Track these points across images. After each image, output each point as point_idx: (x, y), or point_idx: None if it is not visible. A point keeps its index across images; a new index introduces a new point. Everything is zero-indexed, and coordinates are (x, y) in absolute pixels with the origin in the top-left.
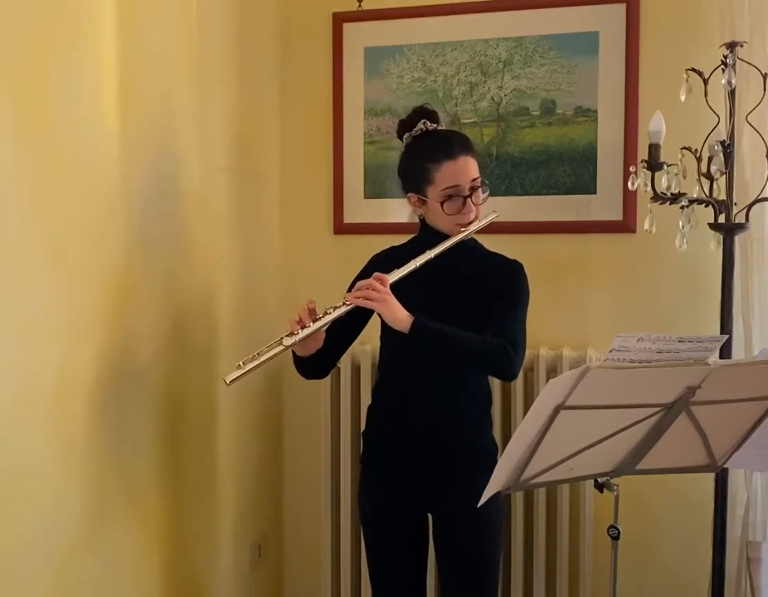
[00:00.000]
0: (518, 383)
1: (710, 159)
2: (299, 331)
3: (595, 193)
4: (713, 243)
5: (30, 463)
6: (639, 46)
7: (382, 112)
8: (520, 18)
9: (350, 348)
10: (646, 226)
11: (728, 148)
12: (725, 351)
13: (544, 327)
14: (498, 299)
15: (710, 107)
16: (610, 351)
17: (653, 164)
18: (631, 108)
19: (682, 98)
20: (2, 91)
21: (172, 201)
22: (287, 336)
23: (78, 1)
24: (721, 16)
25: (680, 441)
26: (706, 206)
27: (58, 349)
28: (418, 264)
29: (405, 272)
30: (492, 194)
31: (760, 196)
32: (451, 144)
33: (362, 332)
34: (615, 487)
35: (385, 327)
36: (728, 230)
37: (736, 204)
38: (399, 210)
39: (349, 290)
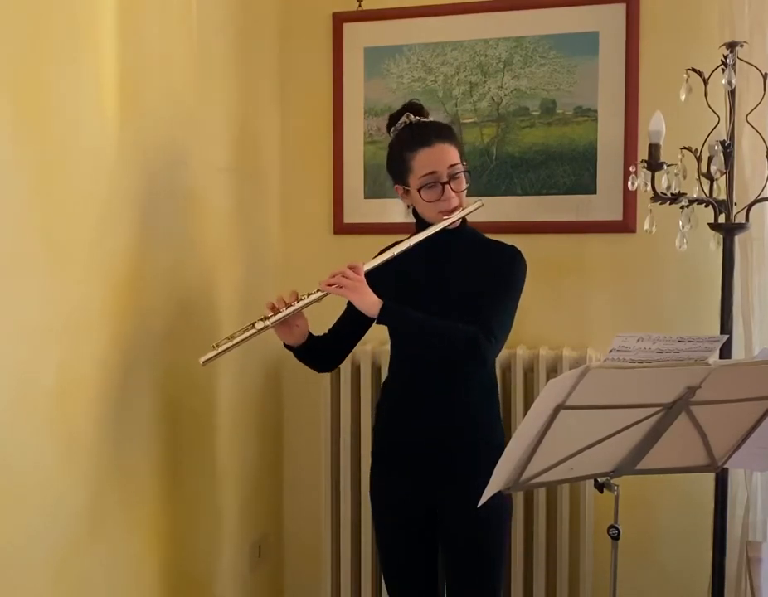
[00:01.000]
0: (518, 383)
1: (710, 159)
2: (272, 315)
3: (595, 193)
4: (713, 243)
5: (30, 463)
6: (639, 46)
7: (382, 112)
8: (520, 18)
9: None
10: (646, 226)
11: (728, 148)
12: (725, 351)
13: (544, 327)
14: (489, 283)
15: (710, 107)
16: (610, 351)
17: (653, 164)
18: (631, 108)
19: (682, 98)
20: (2, 92)
21: (172, 201)
22: (260, 320)
23: (78, 1)
24: (721, 16)
25: (680, 441)
26: (706, 206)
27: (58, 349)
28: (396, 253)
29: (382, 260)
30: (492, 194)
31: (760, 196)
32: (428, 132)
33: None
34: (615, 487)
35: None
36: (728, 230)
37: (736, 204)
38: (399, 210)
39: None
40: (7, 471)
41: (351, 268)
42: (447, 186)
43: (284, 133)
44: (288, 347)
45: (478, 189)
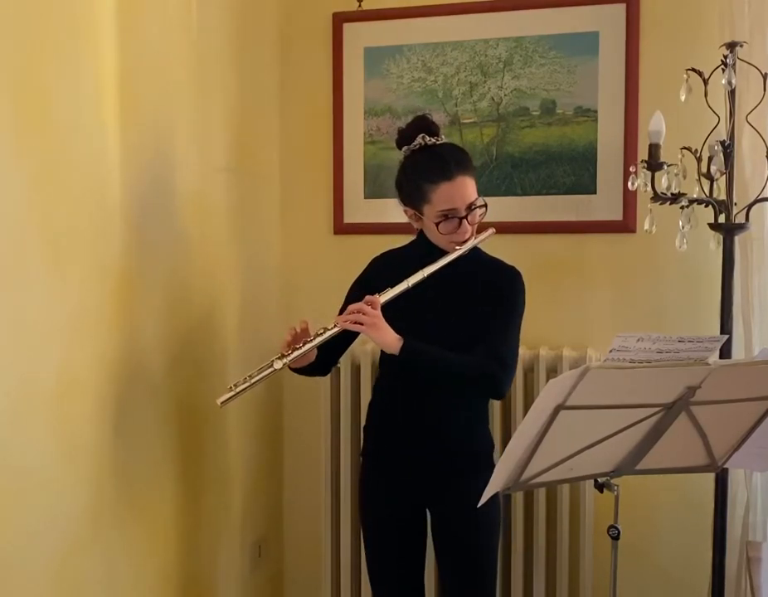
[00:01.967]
0: (518, 383)
1: (710, 159)
2: (290, 353)
3: (595, 193)
4: (713, 243)
5: (30, 463)
6: (639, 46)
7: (382, 112)
8: (520, 18)
9: (350, 348)
10: (646, 226)
11: (728, 148)
12: (725, 351)
13: (544, 327)
14: (493, 310)
15: (710, 107)
16: (610, 351)
17: (653, 164)
18: (631, 108)
19: (682, 98)
20: (3, 92)
21: (172, 201)
22: (277, 358)
23: (78, 1)
24: (721, 16)
25: (680, 441)
26: (706, 206)
27: (58, 349)
28: (410, 284)
29: (397, 292)
30: (492, 194)
31: (760, 196)
32: (448, 164)
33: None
34: (615, 487)
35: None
36: (728, 230)
37: (736, 204)
38: (399, 210)
39: (346, 299)
40: (7, 471)
41: (368, 303)
42: (464, 220)
43: (284, 133)
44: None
45: (479, 189)
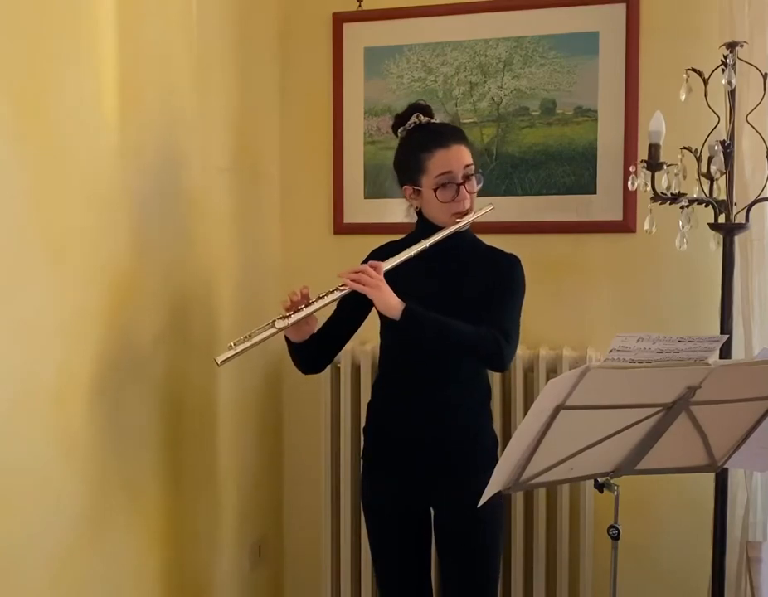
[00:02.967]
0: (518, 383)
1: (710, 159)
2: (292, 314)
3: (595, 193)
4: (713, 243)
5: (30, 463)
6: (639, 46)
7: (382, 112)
8: (520, 18)
9: (350, 348)
10: (646, 226)
11: (728, 148)
12: (725, 351)
13: (544, 327)
14: (495, 291)
15: (710, 107)
16: (610, 351)
17: (653, 164)
18: (631, 108)
19: (682, 98)
20: (3, 92)
21: (172, 201)
22: (279, 319)
23: (78, 1)
24: (721, 16)
25: (680, 441)
26: (706, 206)
27: (58, 349)
28: (413, 253)
29: (400, 260)
30: (492, 194)
31: (760, 196)
32: (443, 134)
33: (362, 331)
34: (615, 487)
35: (384, 322)
36: (728, 230)
37: (736, 204)
38: (399, 210)
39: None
40: (6, 471)
41: (371, 266)
42: (462, 186)
43: (284, 134)
44: (287, 339)
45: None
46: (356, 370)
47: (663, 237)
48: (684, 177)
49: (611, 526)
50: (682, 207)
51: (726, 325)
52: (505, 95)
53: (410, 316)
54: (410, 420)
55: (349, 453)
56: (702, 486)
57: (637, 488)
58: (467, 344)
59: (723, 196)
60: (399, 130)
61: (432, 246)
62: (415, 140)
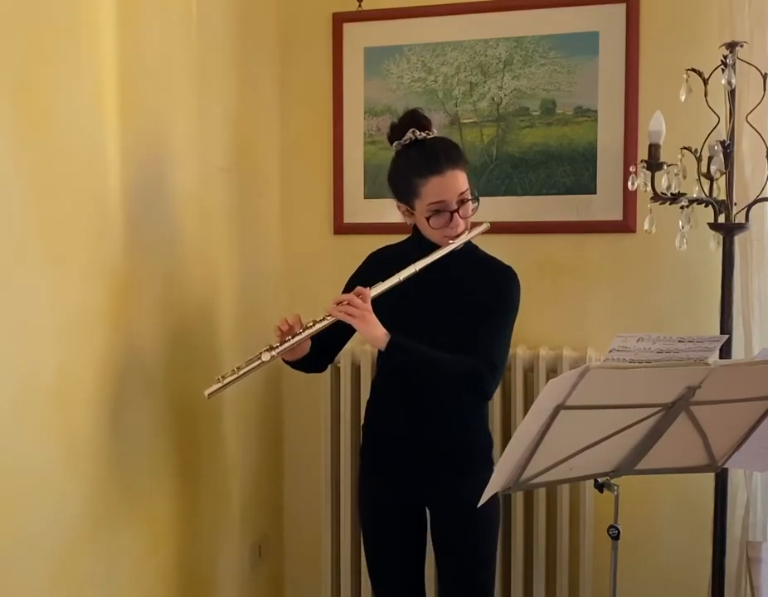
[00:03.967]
0: (518, 383)
1: (710, 159)
2: (279, 345)
3: (595, 193)
4: (713, 243)
5: (31, 463)
6: (639, 46)
7: (382, 112)
8: (520, 18)
9: (350, 348)
10: (646, 226)
11: (728, 148)
12: (725, 351)
13: (544, 327)
14: (486, 310)
15: (710, 107)
16: (610, 351)
17: (653, 164)
18: (631, 108)
19: (682, 98)
20: (2, 92)
21: (172, 201)
22: (266, 351)
23: (78, 1)
24: (721, 16)
25: (680, 441)
26: (706, 206)
27: (58, 349)
28: (401, 278)
29: (388, 286)
30: (492, 194)
31: (760, 196)
32: (438, 158)
33: None
34: (615, 487)
35: (382, 322)
36: (728, 230)
37: (736, 204)
38: (398, 211)
39: (344, 291)
40: (7, 471)
41: (358, 294)
42: (455, 214)
43: (284, 133)
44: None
45: (479, 189)
46: (356, 370)
47: (663, 237)
48: (684, 177)
49: (611, 526)
50: (682, 207)
51: (726, 325)
52: (505, 95)
53: (395, 346)
54: (405, 420)
55: (349, 453)
56: (702, 486)
57: (637, 488)
58: (449, 376)
59: (723, 196)
60: (394, 144)
61: (421, 270)
62: (410, 162)
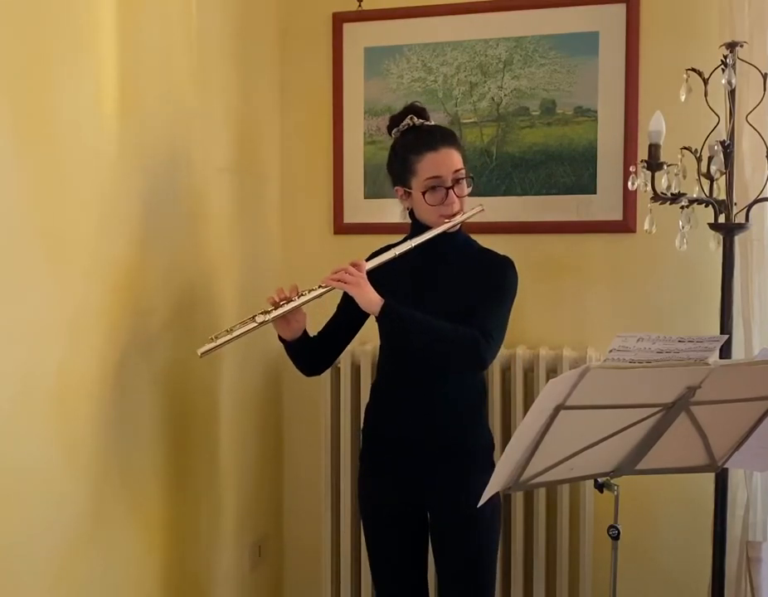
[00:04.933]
0: (518, 383)
1: (710, 159)
2: (273, 310)
3: (595, 193)
4: (713, 243)
5: (31, 463)
6: (639, 46)
7: (382, 112)
8: (520, 18)
9: (350, 348)
10: (646, 226)
11: (728, 148)
12: (725, 351)
13: (544, 327)
14: (483, 292)
15: (710, 107)
16: (610, 351)
17: (653, 164)
18: (631, 108)
19: (682, 98)
20: (2, 92)
21: (172, 201)
22: (260, 313)
23: (78, 2)
24: (721, 16)
25: (680, 441)
26: (706, 206)
27: (59, 349)
28: (397, 253)
29: (384, 260)
30: (492, 194)
31: (760, 196)
32: (434, 136)
33: (362, 332)
34: (615, 487)
35: None
36: (728, 230)
37: (736, 204)
38: (398, 210)
39: (344, 294)
40: (7, 471)
41: (353, 265)
42: (451, 190)
43: (284, 133)
44: (282, 340)
45: (479, 189)
46: (356, 370)
47: (663, 237)
48: (684, 177)
49: (611, 526)
50: (682, 207)
51: (726, 325)
52: (505, 95)
53: (389, 311)
54: (404, 421)
55: (349, 454)
56: (702, 486)
57: (637, 488)
58: (444, 340)
59: (723, 196)
60: (393, 131)
61: (421, 247)
62: (407, 142)
